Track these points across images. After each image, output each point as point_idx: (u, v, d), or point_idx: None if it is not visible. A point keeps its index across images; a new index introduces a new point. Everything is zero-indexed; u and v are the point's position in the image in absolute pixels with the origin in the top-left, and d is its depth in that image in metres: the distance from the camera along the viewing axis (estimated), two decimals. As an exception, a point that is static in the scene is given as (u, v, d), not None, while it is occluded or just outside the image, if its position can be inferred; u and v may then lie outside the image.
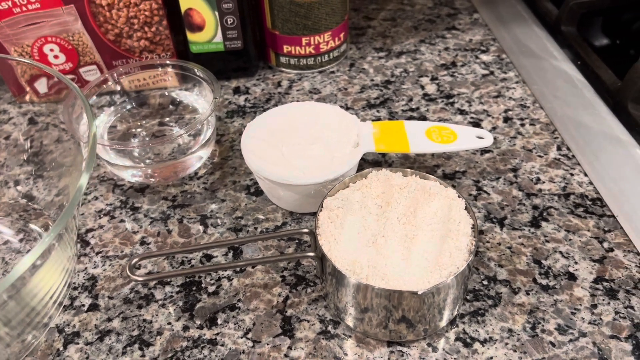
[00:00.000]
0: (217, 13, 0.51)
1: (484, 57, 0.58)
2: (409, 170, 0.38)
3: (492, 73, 0.56)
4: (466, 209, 0.35)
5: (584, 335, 0.35)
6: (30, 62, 0.40)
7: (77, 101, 0.41)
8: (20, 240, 0.42)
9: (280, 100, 0.54)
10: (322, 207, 0.36)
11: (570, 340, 0.35)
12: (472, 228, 0.34)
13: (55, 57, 0.52)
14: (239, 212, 0.44)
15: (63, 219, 0.29)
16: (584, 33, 0.60)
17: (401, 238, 0.34)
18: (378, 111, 0.52)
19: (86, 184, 0.32)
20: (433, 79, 0.56)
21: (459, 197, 0.36)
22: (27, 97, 0.50)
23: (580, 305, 0.36)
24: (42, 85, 0.52)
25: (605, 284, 0.37)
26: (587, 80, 0.54)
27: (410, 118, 0.51)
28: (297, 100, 0.54)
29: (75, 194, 0.31)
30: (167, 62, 0.48)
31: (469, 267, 0.33)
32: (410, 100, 0.53)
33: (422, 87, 0.55)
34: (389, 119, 0.51)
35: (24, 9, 0.48)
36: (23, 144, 0.49)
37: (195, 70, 0.47)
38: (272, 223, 0.43)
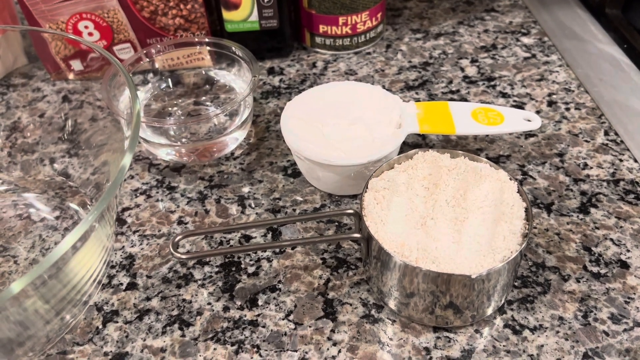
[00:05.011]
0: (254, -10, 0.50)
1: (525, 40, 0.56)
2: (459, 151, 0.36)
3: (534, 56, 0.54)
4: (518, 191, 0.34)
5: (638, 325, 0.33)
6: (75, 38, 0.39)
7: (116, 78, 0.41)
8: (57, 218, 0.42)
9: (315, 81, 0.53)
10: (367, 187, 0.35)
11: (625, 330, 0.33)
12: (525, 211, 0.33)
13: (90, 34, 0.51)
14: (276, 193, 0.43)
15: (106, 198, 0.29)
16: (626, 16, 0.58)
17: (451, 221, 0.33)
18: (417, 93, 0.51)
19: (129, 164, 0.31)
20: (473, 61, 0.54)
21: (510, 179, 0.34)
22: (68, 75, 0.50)
23: (634, 294, 0.35)
24: (77, 63, 0.51)
25: (660, 273, 0.36)
26: (634, 64, 0.52)
27: (452, 100, 0.50)
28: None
29: (118, 173, 0.30)
30: (206, 39, 0.47)
31: (521, 253, 0.31)
32: (450, 82, 0.52)
33: (462, 69, 0.53)
34: (430, 101, 0.50)
35: (60, -16, 0.47)
36: (57, 122, 0.48)
37: (233, 48, 0.46)
38: (310, 205, 0.42)
